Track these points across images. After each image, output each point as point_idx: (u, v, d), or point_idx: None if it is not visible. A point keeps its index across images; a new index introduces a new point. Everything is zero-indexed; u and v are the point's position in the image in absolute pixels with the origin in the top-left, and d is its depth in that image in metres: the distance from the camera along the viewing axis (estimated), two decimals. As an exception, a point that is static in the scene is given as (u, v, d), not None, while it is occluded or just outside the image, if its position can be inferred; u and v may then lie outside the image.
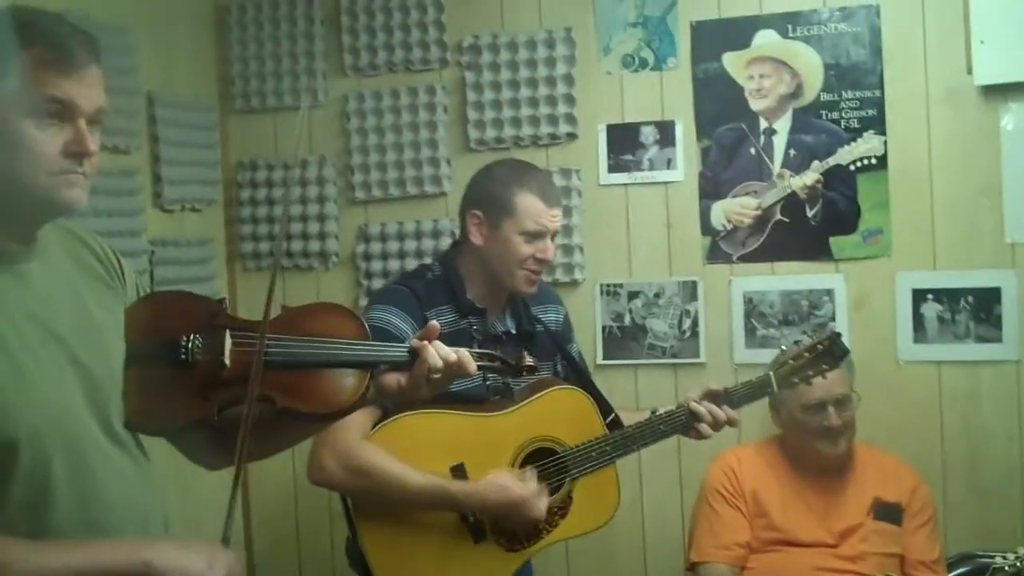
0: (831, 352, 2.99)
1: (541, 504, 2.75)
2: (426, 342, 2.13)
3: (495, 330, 2.95)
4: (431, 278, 2.93)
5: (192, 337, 1.92)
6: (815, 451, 3.25)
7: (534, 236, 2.85)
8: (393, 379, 2.12)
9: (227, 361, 1.92)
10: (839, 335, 3.05)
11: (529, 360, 2.44)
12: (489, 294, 2.93)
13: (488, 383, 2.85)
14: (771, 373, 2.99)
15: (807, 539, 3.22)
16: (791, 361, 3.00)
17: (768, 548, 3.25)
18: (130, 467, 1.84)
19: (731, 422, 2.94)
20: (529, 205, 2.85)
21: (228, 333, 1.95)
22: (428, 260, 3.49)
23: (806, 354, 3.00)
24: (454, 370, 2.16)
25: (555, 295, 3.24)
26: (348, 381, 2.04)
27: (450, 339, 2.64)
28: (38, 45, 1.68)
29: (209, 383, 1.91)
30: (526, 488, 2.73)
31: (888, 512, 3.23)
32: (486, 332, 2.91)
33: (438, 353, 2.12)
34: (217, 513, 1.83)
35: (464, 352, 2.19)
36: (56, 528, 1.70)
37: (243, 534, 4.20)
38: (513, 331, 2.99)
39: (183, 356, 1.91)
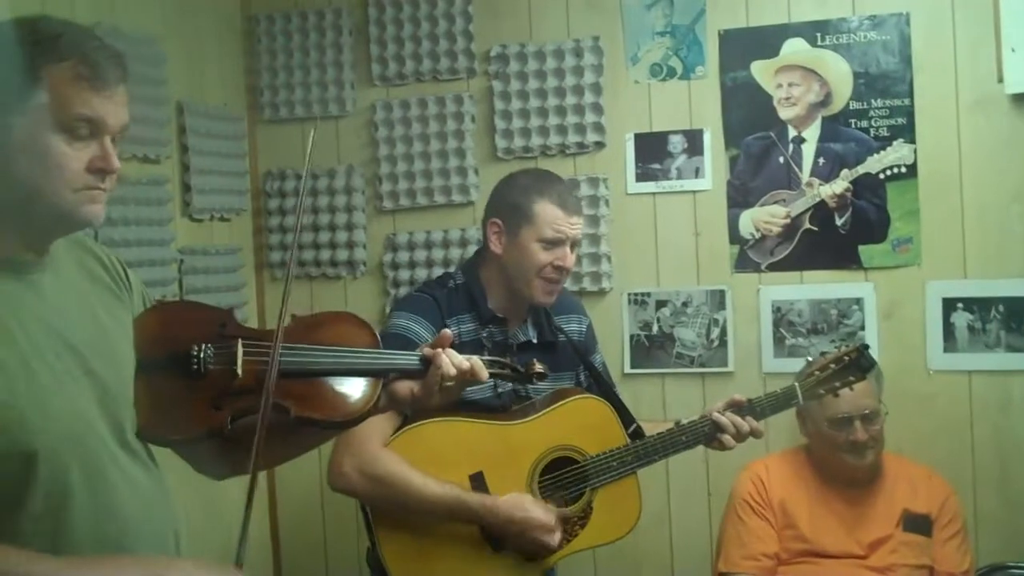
0: (858, 364, 2.96)
1: (552, 537, 2.75)
2: (439, 349, 2.16)
3: (516, 339, 2.96)
4: (453, 287, 2.94)
5: (203, 347, 1.93)
6: (842, 463, 3.23)
7: (552, 244, 2.86)
8: (406, 387, 2.15)
9: (239, 371, 1.93)
10: (867, 347, 3.02)
11: (539, 367, 2.48)
12: (510, 303, 2.94)
13: (500, 391, 2.85)
14: (796, 384, 2.97)
15: (836, 550, 3.20)
16: (817, 372, 2.98)
17: (797, 559, 3.24)
18: (144, 478, 1.84)
19: (755, 433, 2.92)
20: (548, 212, 2.85)
21: (240, 342, 1.96)
22: (452, 269, 3.50)
23: (832, 365, 2.97)
24: (467, 377, 2.19)
25: (579, 305, 3.24)
26: (361, 389, 2.06)
27: (471, 348, 2.72)
28: (70, 59, 1.69)
29: (221, 393, 1.92)
30: (545, 515, 2.74)
31: (917, 523, 3.21)
32: (507, 341, 2.92)
33: (451, 361, 2.15)
34: (236, 522, 1.83)
35: (476, 359, 2.22)
36: (73, 540, 1.70)
37: (270, 540, 4.21)
38: (535, 341, 2.99)
39: (195, 366, 1.92)
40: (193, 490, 2.26)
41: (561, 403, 2.88)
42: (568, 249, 2.88)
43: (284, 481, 4.15)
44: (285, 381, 1.94)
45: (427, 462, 2.71)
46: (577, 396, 2.93)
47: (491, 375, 2.30)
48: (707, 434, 2.92)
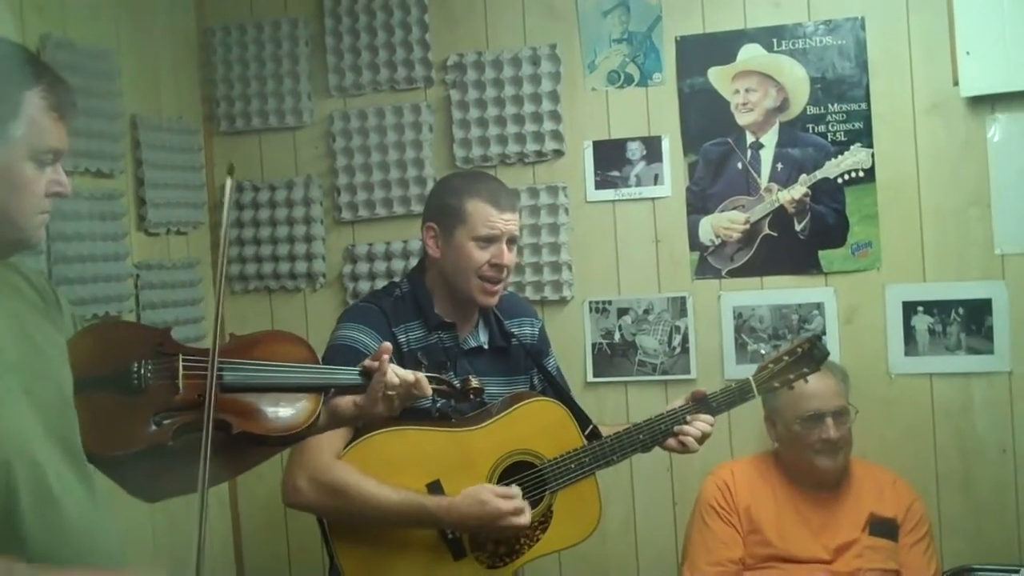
0: (811, 355, 2.95)
1: (523, 517, 2.72)
2: (385, 357, 2.21)
3: (467, 345, 2.95)
4: (399, 295, 2.94)
5: (143, 363, 1.93)
6: (812, 465, 3.23)
7: (488, 241, 2.85)
8: (348, 400, 2.20)
9: (180, 384, 1.93)
10: (819, 337, 3.04)
11: (475, 383, 2.49)
12: (456, 308, 2.93)
13: (438, 404, 2.82)
14: (751, 378, 2.97)
15: (802, 555, 3.21)
16: (771, 365, 2.97)
17: (763, 564, 3.24)
18: (86, 496, 1.82)
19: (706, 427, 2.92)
20: (479, 210, 2.85)
21: (180, 357, 1.96)
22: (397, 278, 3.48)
23: (786, 358, 2.97)
24: (411, 390, 2.25)
25: (530, 309, 3.23)
26: (302, 405, 2.08)
27: (420, 355, 2.72)
28: (39, 86, 1.73)
29: (162, 408, 1.91)
30: (506, 503, 2.71)
31: (884, 528, 3.22)
32: (457, 346, 2.90)
33: (394, 371, 2.21)
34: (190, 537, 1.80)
35: (420, 374, 2.28)
36: (22, 556, 1.67)
37: (233, 555, 4.16)
38: (486, 346, 2.98)
39: (135, 381, 1.91)
40: (160, 505, 2.23)
41: (516, 407, 2.86)
42: (504, 246, 2.87)
43: (247, 495, 4.11)
44: (226, 397, 1.95)
45: (382, 473, 2.69)
46: (532, 399, 2.91)
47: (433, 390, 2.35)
48: (664, 432, 2.90)
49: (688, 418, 2.90)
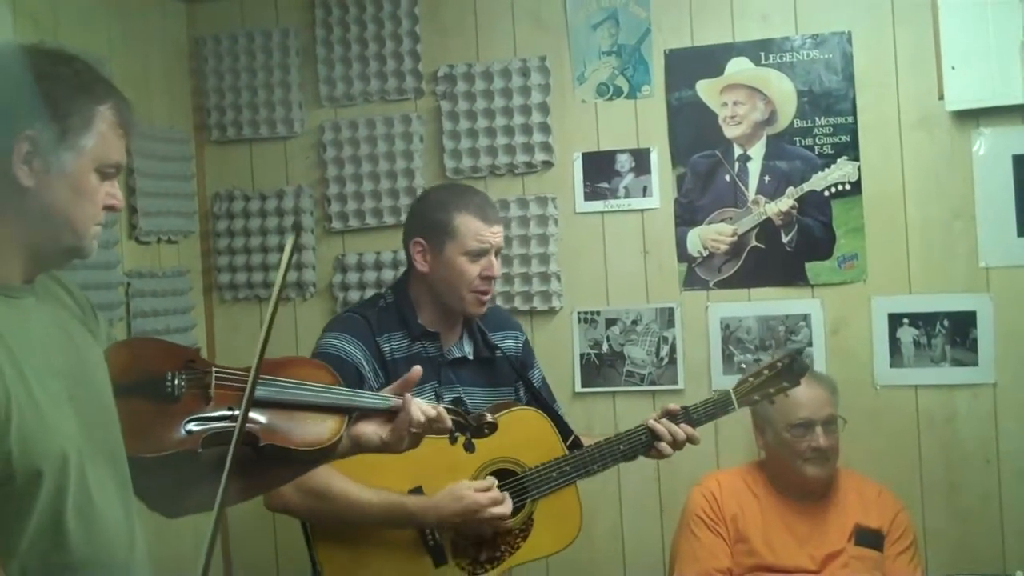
0: (791, 369, 3.00)
1: (501, 508, 2.75)
2: (407, 395, 2.28)
3: (451, 355, 2.97)
4: (383, 305, 2.97)
5: (176, 373, 1.99)
6: (800, 474, 3.25)
7: (478, 255, 2.88)
8: (374, 432, 2.26)
9: (212, 393, 2.00)
10: (799, 352, 3.09)
11: (489, 418, 2.53)
12: (441, 318, 2.96)
13: (458, 437, 2.84)
14: (731, 391, 3.00)
15: (788, 565, 3.22)
16: (751, 379, 3.02)
17: (749, 574, 3.25)
18: (123, 504, 1.85)
19: (691, 440, 2.94)
20: (469, 225, 2.88)
21: (213, 371, 2.03)
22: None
23: (766, 372, 3.01)
24: (433, 425, 2.31)
25: (514, 321, 3.26)
26: (327, 423, 2.17)
27: (405, 363, 2.75)
28: (108, 103, 1.79)
29: (194, 416, 1.98)
30: (483, 495, 2.74)
31: (869, 538, 3.24)
32: (441, 356, 2.93)
33: (420, 409, 2.28)
34: (190, 541, 1.82)
35: (440, 407, 2.35)
36: (65, 560, 1.71)
37: (221, 561, 4.16)
38: (470, 356, 3.01)
39: (169, 389, 1.97)
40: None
41: (498, 416, 2.88)
42: (493, 258, 2.91)
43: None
44: (257, 410, 2.02)
45: (364, 479, 2.71)
46: (514, 408, 2.94)
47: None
48: (644, 443, 2.94)
49: (665, 426, 2.92)
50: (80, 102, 1.76)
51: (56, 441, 1.70)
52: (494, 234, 2.90)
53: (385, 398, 2.30)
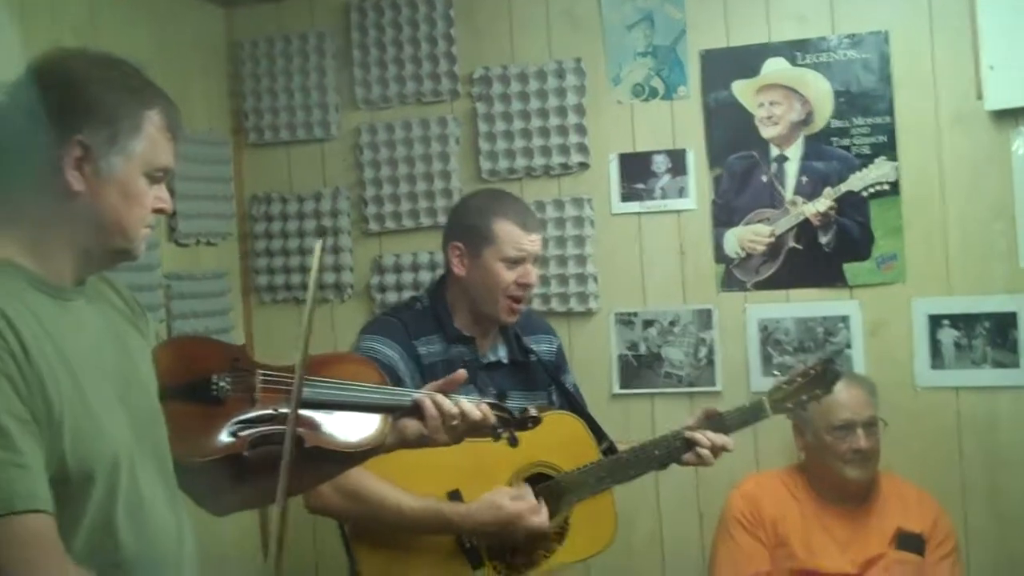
0: (823, 377, 2.98)
1: (538, 518, 2.75)
2: (437, 393, 2.29)
3: (486, 359, 2.98)
4: (419, 309, 2.98)
5: (221, 375, 2.00)
6: (840, 477, 3.24)
7: (515, 262, 2.88)
8: (415, 426, 2.26)
9: (257, 397, 2.00)
10: (832, 361, 3.08)
11: (533, 411, 2.50)
12: (476, 323, 2.96)
13: (502, 433, 2.85)
14: (764, 398, 2.99)
15: (829, 569, 3.20)
16: (784, 386, 3.00)
17: (789, 578, 3.24)
18: (171, 506, 1.86)
19: (724, 447, 2.92)
20: (508, 231, 2.88)
21: (258, 371, 2.04)
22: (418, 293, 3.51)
23: (799, 379, 2.99)
24: (474, 419, 2.31)
25: (548, 326, 3.26)
26: (371, 423, 2.17)
27: (441, 367, 2.78)
28: (157, 107, 1.80)
29: (240, 419, 1.98)
30: (521, 503, 2.74)
31: (911, 542, 3.21)
32: (477, 360, 2.94)
33: (456, 401, 2.29)
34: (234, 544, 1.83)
35: (484, 406, 2.35)
36: (118, 559, 1.72)
37: (262, 556, 4.16)
38: (505, 361, 3.02)
39: (214, 392, 1.98)
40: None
41: None
42: (530, 266, 2.91)
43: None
44: (303, 411, 2.01)
45: (403, 482, 2.72)
46: (549, 412, 2.93)
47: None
48: (679, 448, 2.92)
49: (700, 433, 2.91)
50: (130, 106, 1.76)
51: (108, 443, 1.71)
52: (532, 242, 2.91)
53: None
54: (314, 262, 1.85)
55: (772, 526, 3.27)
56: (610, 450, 2.95)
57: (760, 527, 3.27)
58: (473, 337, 2.95)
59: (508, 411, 2.46)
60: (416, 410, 2.27)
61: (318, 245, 1.84)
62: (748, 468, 3.58)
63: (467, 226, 2.94)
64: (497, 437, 2.43)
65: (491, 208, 2.94)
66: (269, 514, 4.14)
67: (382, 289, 4.08)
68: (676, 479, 3.62)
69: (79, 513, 1.67)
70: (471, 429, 2.32)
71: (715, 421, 2.93)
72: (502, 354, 3.02)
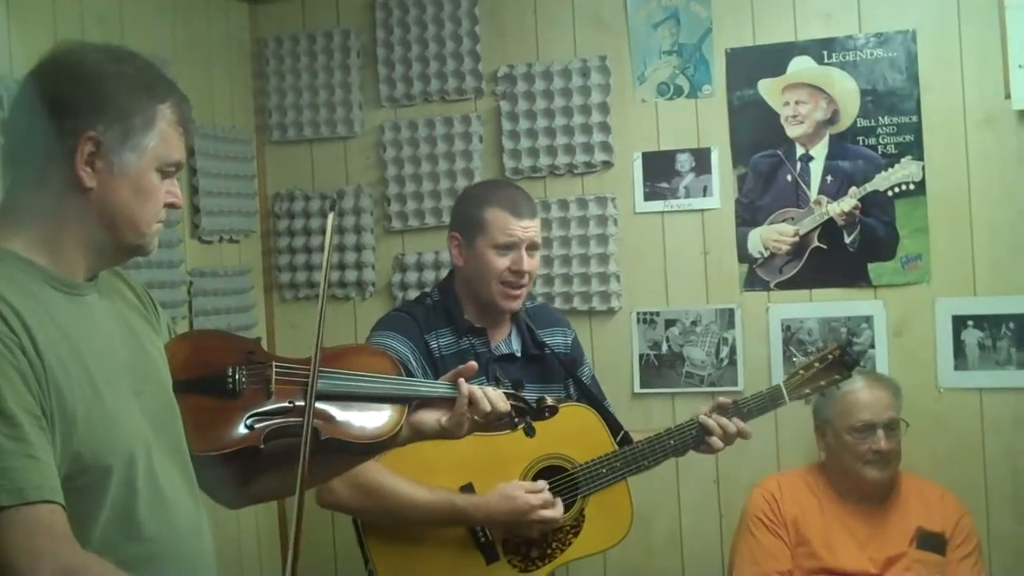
0: (841, 361, 2.98)
1: (552, 511, 2.76)
2: (462, 381, 2.28)
3: (499, 351, 2.99)
4: (430, 303, 3.00)
5: (237, 368, 2.00)
6: (861, 477, 3.23)
7: (506, 248, 2.89)
8: (433, 418, 2.25)
9: (273, 388, 2.00)
10: (849, 344, 3.05)
11: (550, 400, 2.50)
12: (484, 313, 2.98)
13: (519, 423, 2.85)
14: (782, 384, 2.98)
15: (850, 568, 3.20)
16: (802, 372, 2.99)
17: (810, 576, 3.23)
18: (190, 497, 1.87)
19: (742, 434, 2.93)
20: (497, 218, 2.90)
21: (274, 364, 2.04)
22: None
23: (816, 364, 2.99)
24: (492, 410, 2.30)
25: (563, 319, 3.27)
26: (387, 415, 2.16)
27: (453, 359, 2.78)
28: (169, 102, 1.80)
29: (255, 412, 1.98)
30: (535, 496, 2.75)
31: (932, 542, 3.20)
32: (490, 352, 2.95)
33: (486, 395, 2.28)
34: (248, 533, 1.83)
35: (501, 392, 2.34)
36: (138, 552, 1.73)
37: (280, 553, 4.18)
38: (518, 353, 3.02)
39: (230, 385, 1.98)
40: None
41: None
42: (523, 252, 2.91)
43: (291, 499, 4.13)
44: (318, 403, 2.01)
45: (415, 475, 2.73)
46: (563, 404, 2.93)
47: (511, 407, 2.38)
48: (695, 437, 2.93)
49: (715, 420, 2.91)
50: (142, 101, 1.76)
51: (123, 436, 1.72)
52: (524, 228, 2.91)
53: (445, 385, 2.30)
54: (326, 238, 1.84)
55: (793, 525, 3.26)
56: (625, 441, 2.95)
57: (781, 526, 3.27)
58: (484, 328, 2.96)
59: (525, 400, 2.46)
60: (442, 401, 2.27)
61: (329, 218, 1.84)
62: (769, 467, 3.56)
63: (463, 216, 2.98)
64: (514, 427, 2.42)
65: (484, 197, 2.97)
66: (287, 506, 4.16)
67: (404, 287, 4.08)
68: (697, 479, 3.62)
69: (97, 506, 1.68)
70: (494, 419, 2.32)
71: (732, 410, 2.93)
72: (516, 347, 3.03)
